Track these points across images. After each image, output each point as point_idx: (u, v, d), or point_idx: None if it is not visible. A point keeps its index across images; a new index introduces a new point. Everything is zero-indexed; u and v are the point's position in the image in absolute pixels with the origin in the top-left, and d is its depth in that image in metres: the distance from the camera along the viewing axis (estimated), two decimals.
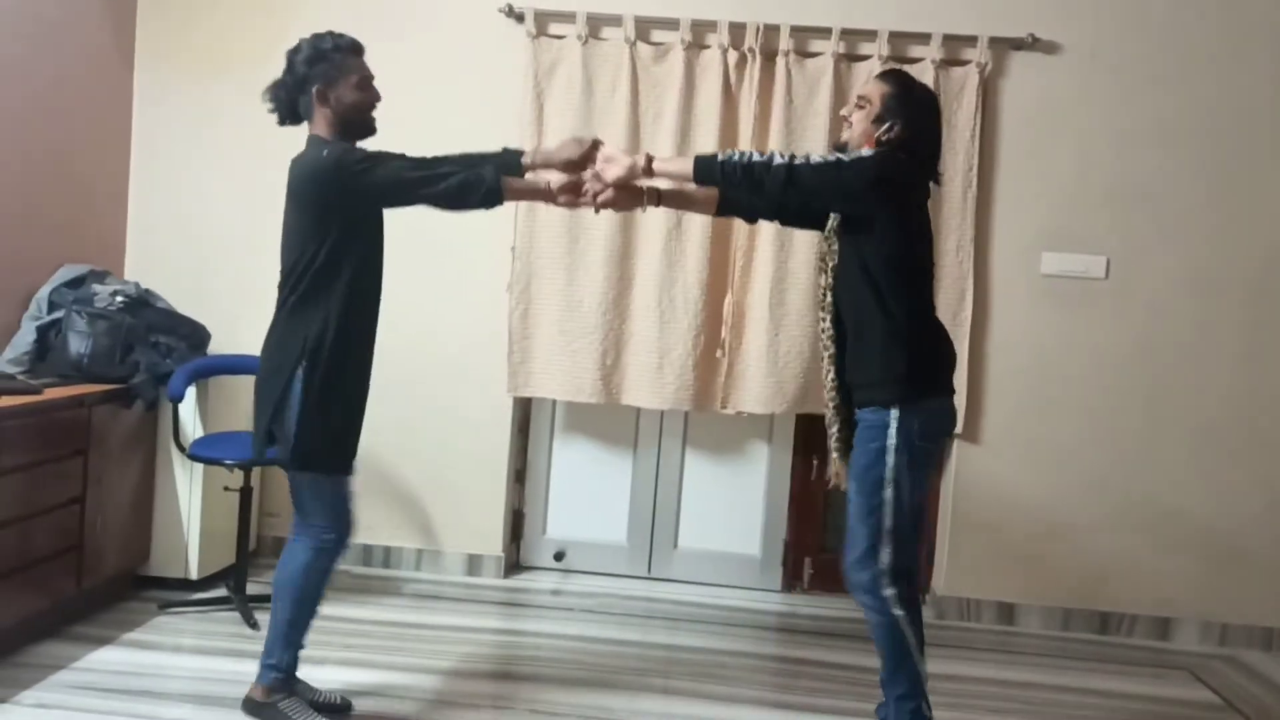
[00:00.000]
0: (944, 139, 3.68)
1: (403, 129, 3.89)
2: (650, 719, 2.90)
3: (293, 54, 2.58)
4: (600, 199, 2.61)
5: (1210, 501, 3.81)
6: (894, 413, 2.42)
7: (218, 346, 3.77)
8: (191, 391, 3.47)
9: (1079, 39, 3.78)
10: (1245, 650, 3.79)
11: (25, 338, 3.37)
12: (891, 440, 2.43)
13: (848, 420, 2.58)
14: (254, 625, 3.33)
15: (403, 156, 2.52)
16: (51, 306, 3.42)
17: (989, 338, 3.84)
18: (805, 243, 3.68)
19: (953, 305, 3.79)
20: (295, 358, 2.48)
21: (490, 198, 2.49)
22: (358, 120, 2.58)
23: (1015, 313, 3.84)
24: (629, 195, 2.60)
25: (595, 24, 3.81)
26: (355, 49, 2.60)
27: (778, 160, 2.35)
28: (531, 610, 3.80)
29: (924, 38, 3.74)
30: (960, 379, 3.80)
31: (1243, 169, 3.77)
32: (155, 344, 3.49)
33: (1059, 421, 3.84)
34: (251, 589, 3.54)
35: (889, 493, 2.44)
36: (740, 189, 2.47)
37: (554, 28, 3.85)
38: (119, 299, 3.44)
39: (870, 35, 3.74)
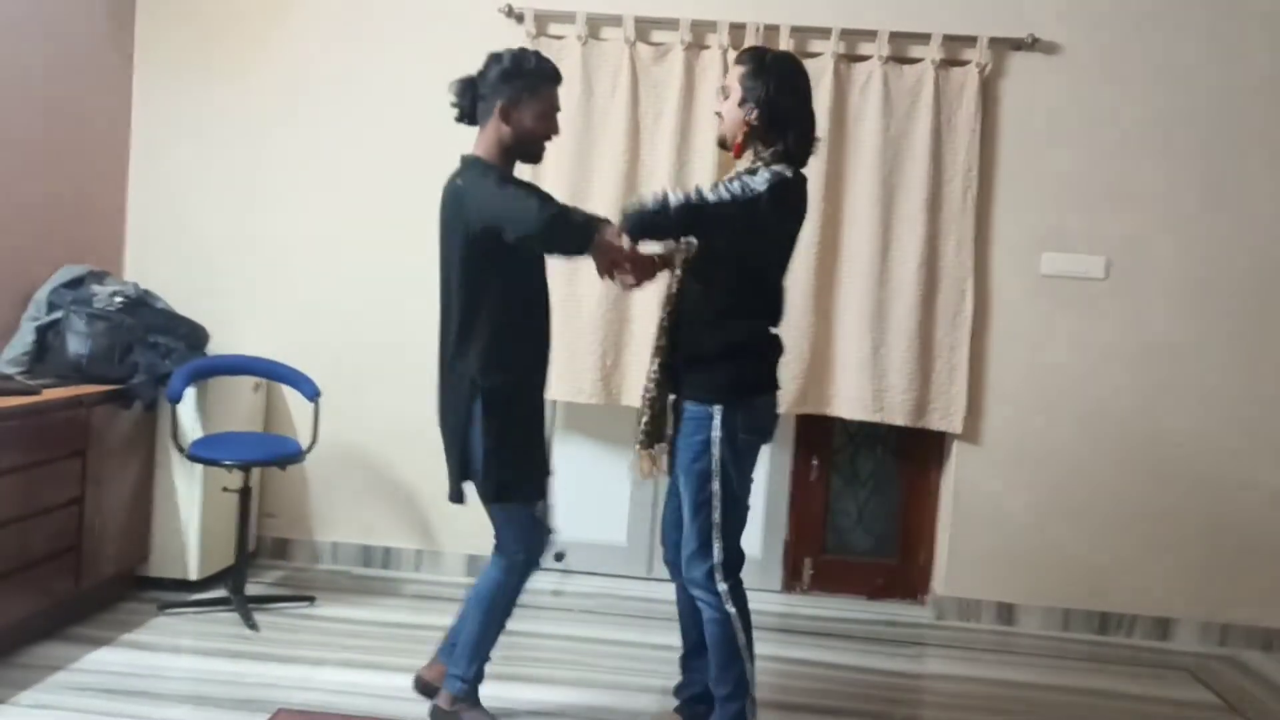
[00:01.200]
0: (942, 138, 3.75)
1: (401, 130, 3.92)
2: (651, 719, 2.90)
3: (493, 60, 2.52)
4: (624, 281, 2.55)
5: (1210, 501, 3.80)
6: (718, 407, 2.44)
7: (217, 347, 3.77)
8: (190, 392, 3.47)
9: (1079, 40, 3.78)
10: (1245, 651, 3.79)
11: (24, 338, 3.37)
12: (716, 433, 2.44)
13: (660, 410, 2.56)
14: (253, 626, 3.32)
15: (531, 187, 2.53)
16: (50, 307, 3.41)
17: (988, 337, 3.84)
18: (803, 243, 3.67)
19: (952, 305, 3.79)
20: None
21: (584, 234, 2.42)
22: (528, 149, 2.56)
23: (1015, 313, 3.84)
24: (643, 266, 2.51)
25: (595, 24, 3.81)
26: (554, 77, 2.54)
27: (674, 200, 2.33)
28: (531, 611, 3.79)
29: (924, 38, 3.74)
30: (959, 379, 3.80)
31: (1242, 169, 3.77)
32: (154, 344, 3.48)
33: (1058, 422, 3.84)
34: (251, 590, 3.54)
35: (716, 485, 2.46)
36: (650, 232, 2.41)
37: (554, 28, 3.84)
38: (118, 299, 3.43)
39: (870, 35, 3.74)
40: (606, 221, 2.47)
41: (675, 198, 2.34)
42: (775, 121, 2.42)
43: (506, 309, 2.49)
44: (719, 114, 2.52)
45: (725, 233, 2.39)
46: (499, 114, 2.50)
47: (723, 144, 2.54)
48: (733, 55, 3.73)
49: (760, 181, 2.35)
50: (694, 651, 2.72)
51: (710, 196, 2.34)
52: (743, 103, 2.43)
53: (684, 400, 2.52)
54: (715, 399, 2.45)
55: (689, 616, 2.69)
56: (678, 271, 2.54)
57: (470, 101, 2.54)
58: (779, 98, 2.41)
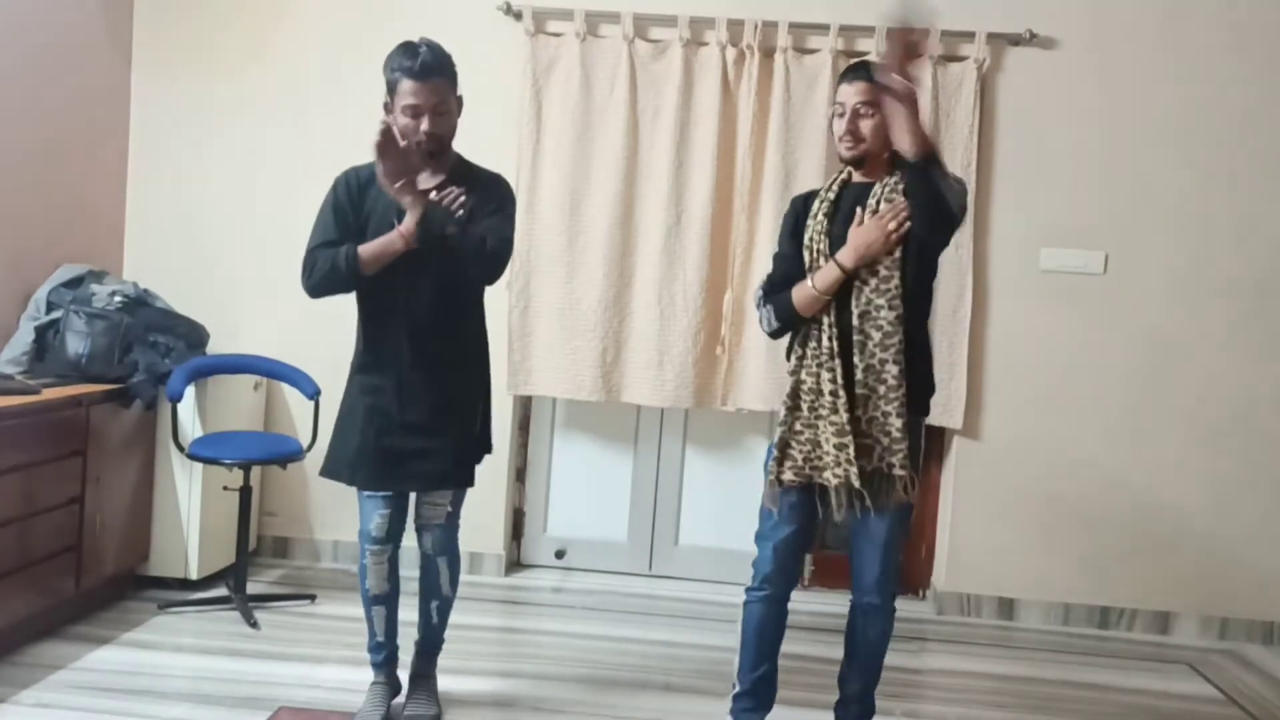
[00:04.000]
0: (940, 133, 3.76)
1: None
2: (652, 716, 2.90)
3: None
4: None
5: (1209, 495, 3.81)
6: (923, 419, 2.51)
7: (216, 346, 3.77)
8: (190, 391, 3.47)
9: (1076, 35, 3.78)
10: (1245, 644, 3.79)
11: (23, 338, 3.37)
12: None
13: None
14: (254, 625, 3.32)
15: (317, 241, 2.53)
16: (50, 306, 3.41)
17: (988, 333, 3.84)
18: None
19: (952, 301, 3.80)
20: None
21: (352, 266, 2.44)
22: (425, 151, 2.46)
23: (1014, 308, 3.84)
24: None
25: (593, 21, 3.81)
26: (410, 72, 2.39)
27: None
28: (532, 608, 3.80)
29: (921, 34, 3.73)
30: (959, 374, 3.81)
31: (1240, 163, 3.77)
32: (154, 343, 3.48)
33: (1058, 417, 3.84)
34: (251, 588, 3.54)
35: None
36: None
37: (552, 25, 3.84)
38: (117, 299, 3.43)
39: (868, 31, 3.74)
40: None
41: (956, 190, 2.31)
42: None
43: (361, 310, 2.60)
44: (855, 135, 2.39)
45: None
46: (385, 111, 2.47)
47: (858, 164, 2.43)
48: (731, 52, 3.75)
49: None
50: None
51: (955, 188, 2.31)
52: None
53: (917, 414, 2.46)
54: (925, 412, 2.49)
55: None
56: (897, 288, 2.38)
57: None
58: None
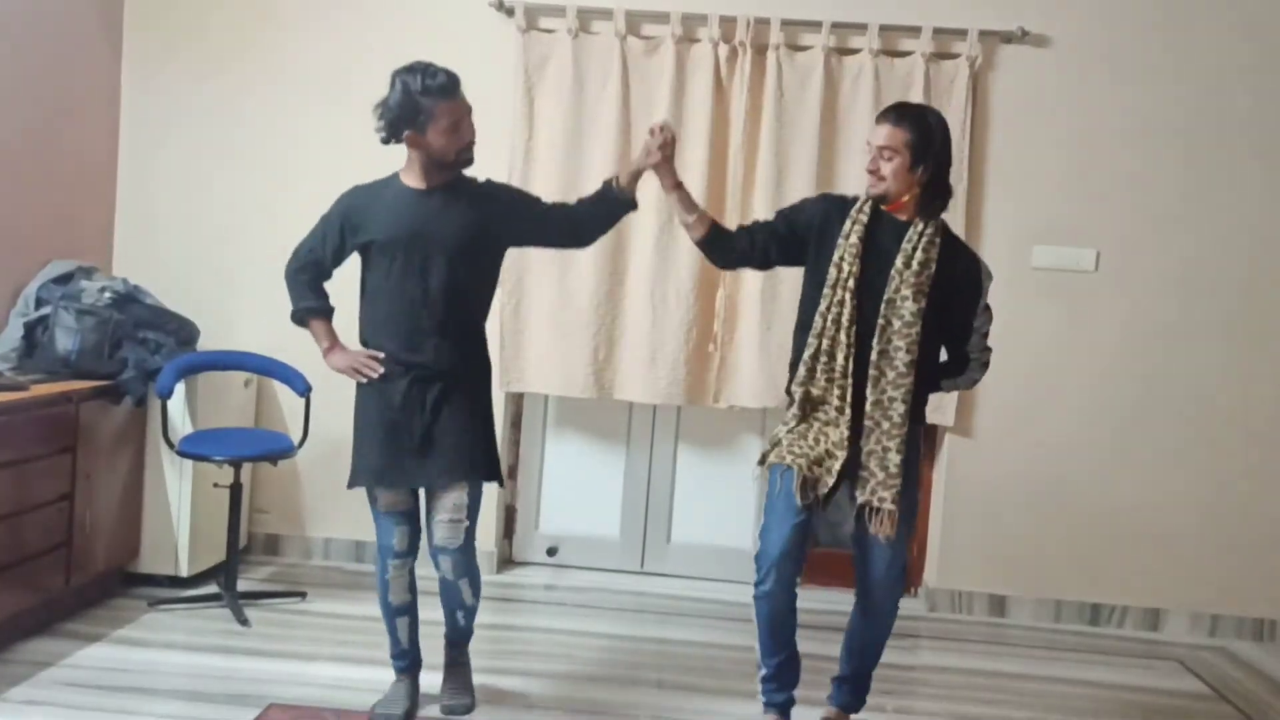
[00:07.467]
0: None
1: None
2: (644, 713, 2.90)
3: (391, 85, 2.54)
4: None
5: (1200, 493, 3.82)
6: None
7: (206, 342, 3.75)
8: (180, 388, 3.45)
9: (1068, 32, 3.78)
10: (1235, 641, 3.81)
11: (12, 334, 3.35)
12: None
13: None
14: (244, 622, 3.31)
15: (304, 244, 2.81)
16: (39, 303, 3.40)
17: None
18: None
19: None
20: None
21: (297, 319, 2.84)
22: (453, 163, 2.60)
23: (1006, 306, 3.79)
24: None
25: (586, 18, 3.80)
26: (445, 91, 2.51)
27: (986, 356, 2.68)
28: (524, 605, 3.80)
29: (914, 31, 3.74)
30: None
31: (1231, 161, 3.78)
32: (144, 340, 3.47)
33: (1050, 414, 3.85)
34: (242, 586, 3.53)
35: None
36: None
37: (544, 21, 3.83)
38: (107, 295, 3.42)
39: (860, 29, 3.74)
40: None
41: (987, 351, 2.67)
42: (939, 179, 2.50)
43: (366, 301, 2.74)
44: (876, 174, 2.49)
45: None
46: (407, 143, 2.56)
47: (882, 200, 2.52)
48: (724, 49, 3.75)
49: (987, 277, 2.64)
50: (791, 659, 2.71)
51: (984, 330, 2.67)
52: (913, 167, 2.46)
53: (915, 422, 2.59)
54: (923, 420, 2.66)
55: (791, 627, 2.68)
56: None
57: (387, 125, 2.55)
58: (945, 157, 2.51)
